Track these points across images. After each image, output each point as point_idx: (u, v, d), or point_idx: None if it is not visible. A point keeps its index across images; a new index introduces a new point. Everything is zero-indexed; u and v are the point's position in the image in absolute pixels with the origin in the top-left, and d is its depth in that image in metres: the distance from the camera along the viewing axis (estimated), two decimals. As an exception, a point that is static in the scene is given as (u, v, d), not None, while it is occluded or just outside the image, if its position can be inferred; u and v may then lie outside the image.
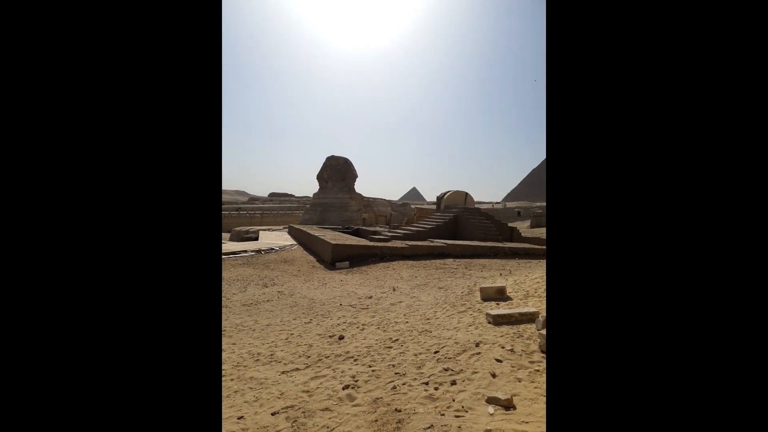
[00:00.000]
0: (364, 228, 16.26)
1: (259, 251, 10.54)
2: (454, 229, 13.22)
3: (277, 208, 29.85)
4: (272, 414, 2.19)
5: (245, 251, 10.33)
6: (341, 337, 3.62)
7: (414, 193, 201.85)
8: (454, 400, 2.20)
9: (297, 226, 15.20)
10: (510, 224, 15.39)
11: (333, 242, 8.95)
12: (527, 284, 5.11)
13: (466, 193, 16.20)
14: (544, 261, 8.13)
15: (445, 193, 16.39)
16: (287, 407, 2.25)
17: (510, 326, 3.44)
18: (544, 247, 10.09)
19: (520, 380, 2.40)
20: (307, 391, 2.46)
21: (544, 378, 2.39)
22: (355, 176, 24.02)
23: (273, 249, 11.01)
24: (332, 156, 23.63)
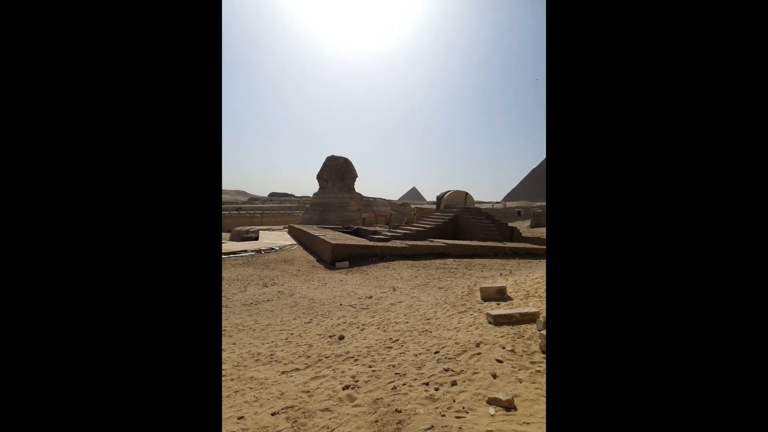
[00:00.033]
0: (364, 228, 16.26)
1: (259, 251, 10.53)
2: (454, 228, 13.21)
3: (277, 208, 29.85)
4: (272, 414, 2.18)
5: (245, 251, 10.32)
6: (341, 337, 3.61)
7: (414, 193, 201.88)
8: (454, 401, 2.19)
9: (297, 226, 15.19)
10: (510, 224, 15.38)
11: (333, 242, 8.95)
12: (528, 284, 5.10)
13: (466, 193, 16.20)
14: (545, 261, 8.12)
15: (445, 193, 16.39)
16: (287, 407, 2.24)
17: (510, 326, 3.43)
18: (545, 247, 10.09)
19: (521, 381, 2.39)
20: (307, 392, 2.45)
21: (545, 379, 2.38)
22: (354, 176, 24.02)
23: (273, 249, 11.00)
24: (332, 156, 23.63)
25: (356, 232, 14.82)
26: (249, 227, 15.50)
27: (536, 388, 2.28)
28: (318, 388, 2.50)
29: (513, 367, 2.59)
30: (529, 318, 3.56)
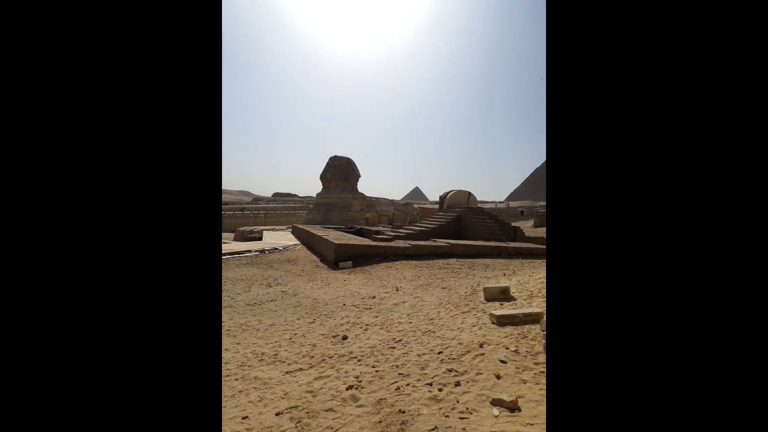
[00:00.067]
0: (367, 228, 16.26)
1: (262, 251, 10.57)
2: (457, 228, 13.19)
3: (281, 208, 29.94)
4: (276, 414, 2.19)
5: (249, 251, 10.36)
6: (345, 337, 3.62)
7: (416, 193, 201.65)
8: (458, 402, 2.19)
9: (300, 226, 15.23)
10: (513, 224, 15.32)
11: (336, 242, 8.96)
12: (531, 284, 5.08)
13: (469, 193, 16.16)
14: (548, 261, 8.07)
15: (448, 193, 16.35)
16: (291, 407, 2.25)
17: (514, 327, 3.42)
18: (548, 246, 10.02)
19: (525, 382, 2.39)
20: (311, 392, 2.46)
21: (549, 379, 2.37)
22: (357, 176, 24.04)
23: (277, 249, 11.04)
24: (335, 156, 23.66)
25: (359, 232, 14.83)
26: (253, 227, 15.56)
27: (540, 389, 2.27)
28: (322, 388, 2.51)
29: (517, 368, 2.58)
30: (533, 318, 3.55)
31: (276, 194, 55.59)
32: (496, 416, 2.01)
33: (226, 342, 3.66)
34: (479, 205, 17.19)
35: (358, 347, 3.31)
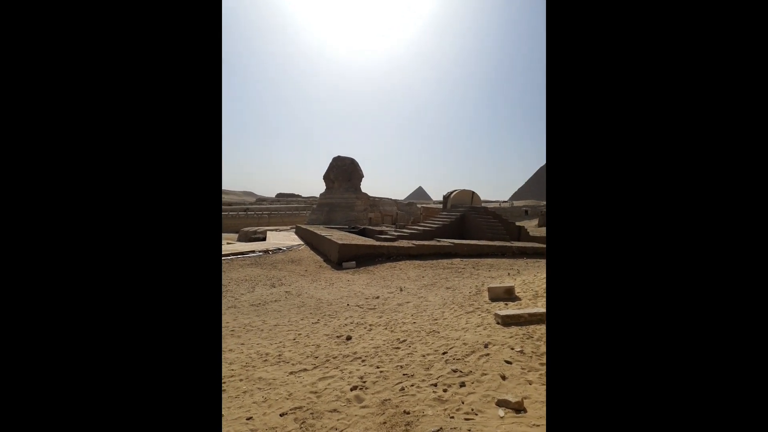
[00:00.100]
0: (371, 227, 16.27)
1: (266, 251, 10.61)
2: (460, 228, 13.15)
3: (285, 209, 30.05)
4: (281, 415, 2.19)
5: (253, 251, 10.41)
6: (349, 338, 3.61)
7: (420, 193, 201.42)
8: (463, 403, 2.18)
9: (304, 226, 15.27)
10: (518, 223, 15.25)
11: (340, 242, 8.97)
12: (536, 284, 5.04)
13: (473, 192, 16.10)
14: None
15: (452, 192, 16.31)
16: (296, 408, 2.25)
17: (519, 327, 3.39)
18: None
19: (530, 382, 2.37)
20: (316, 392, 2.45)
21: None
22: (361, 176, 24.06)
23: (280, 249, 11.07)
24: (338, 156, 23.71)
25: (363, 232, 14.84)
26: (257, 228, 15.62)
27: (546, 390, 2.25)
28: (326, 388, 2.50)
29: (522, 369, 2.56)
30: (538, 318, 3.52)
31: (279, 195, 55.83)
32: (501, 417, 2.00)
33: (230, 342, 3.67)
34: (483, 204, 17.13)
35: (363, 347, 3.30)
